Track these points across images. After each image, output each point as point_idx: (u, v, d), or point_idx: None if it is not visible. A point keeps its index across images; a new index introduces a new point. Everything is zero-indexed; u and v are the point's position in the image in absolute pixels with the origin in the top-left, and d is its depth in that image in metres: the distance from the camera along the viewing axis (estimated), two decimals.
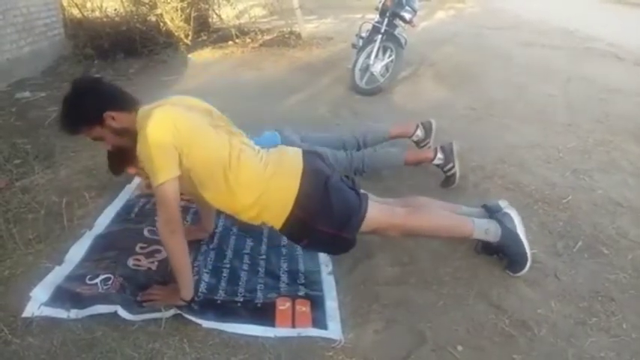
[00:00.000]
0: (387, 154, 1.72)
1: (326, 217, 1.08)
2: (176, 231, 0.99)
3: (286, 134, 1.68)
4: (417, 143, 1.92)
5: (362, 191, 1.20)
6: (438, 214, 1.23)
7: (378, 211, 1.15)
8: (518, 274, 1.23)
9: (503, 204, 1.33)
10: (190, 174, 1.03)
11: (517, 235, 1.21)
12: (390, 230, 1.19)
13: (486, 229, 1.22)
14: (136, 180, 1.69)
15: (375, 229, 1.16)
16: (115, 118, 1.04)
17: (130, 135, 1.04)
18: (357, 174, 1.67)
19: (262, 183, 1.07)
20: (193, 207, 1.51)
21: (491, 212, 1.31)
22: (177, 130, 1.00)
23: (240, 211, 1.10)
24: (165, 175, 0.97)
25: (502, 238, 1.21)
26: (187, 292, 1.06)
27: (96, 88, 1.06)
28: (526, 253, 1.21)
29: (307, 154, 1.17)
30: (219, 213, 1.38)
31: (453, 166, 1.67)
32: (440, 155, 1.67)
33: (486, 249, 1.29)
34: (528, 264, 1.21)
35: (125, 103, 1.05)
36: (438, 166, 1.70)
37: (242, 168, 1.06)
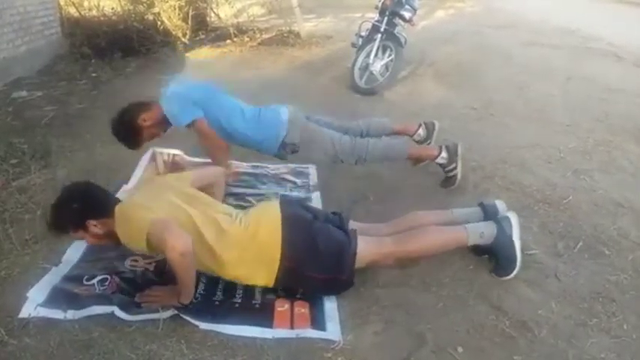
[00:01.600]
0: (392, 145, 1.69)
1: (316, 264, 1.09)
2: (185, 252, 0.98)
3: (291, 109, 1.65)
4: (418, 142, 1.91)
5: (351, 228, 1.20)
6: (429, 235, 1.21)
7: (367, 245, 1.15)
8: (503, 278, 1.21)
9: (500, 204, 1.33)
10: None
11: (511, 241, 1.20)
12: (384, 260, 1.19)
13: (481, 233, 1.21)
14: (133, 180, 1.68)
15: (368, 263, 1.17)
16: (97, 225, 1.10)
17: (111, 236, 1.10)
18: (358, 163, 1.63)
19: (245, 246, 1.09)
20: None
21: (488, 212, 1.30)
22: (153, 210, 1.05)
23: (231, 278, 1.12)
24: (147, 220, 1.00)
25: (495, 240, 1.20)
26: (187, 298, 1.06)
27: (81, 198, 1.12)
28: (515, 261, 1.19)
29: (285, 203, 1.18)
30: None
31: (455, 167, 1.66)
32: (444, 154, 1.65)
33: (475, 249, 1.28)
34: (515, 271, 1.20)
35: (107, 211, 1.09)
36: (440, 164, 1.68)
37: (223, 237, 1.08)
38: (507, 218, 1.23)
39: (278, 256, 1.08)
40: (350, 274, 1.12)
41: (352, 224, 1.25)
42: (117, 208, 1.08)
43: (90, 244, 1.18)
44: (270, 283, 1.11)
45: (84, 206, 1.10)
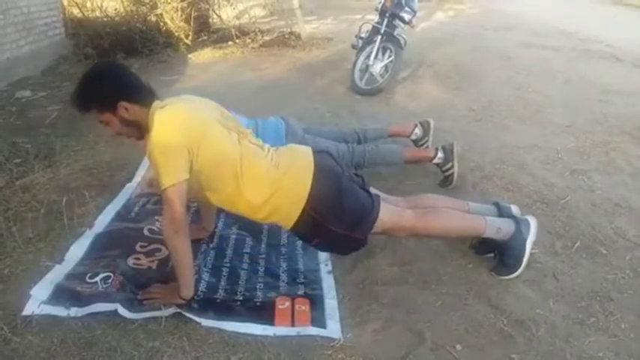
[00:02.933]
0: (389, 150, 1.72)
1: (338, 218, 1.07)
2: (180, 231, 0.98)
3: (290, 122, 1.68)
4: (416, 142, 1.93)
5: (373, 191, 1.18)
6: (449, 216, 1.20)
7: (389, 213, 1.14)
8: (503, 278, 1.22)
9: (514, 209, 1.32)
10: (200, 176, 1.03)
11: (524, 244, 1.19)
12: (400, 232, 1.18)
13: (498, 228, 1.20)
14: (137, 179, 1.69)
15: (385, 230, 1.16)
16: (128, 110, 1.02)
17: (138, 128, 1.04)
18: (357, 168, 1.67)
19: (273, 183, 1.06)
20: (194, 205, 1.51)
21: (503, 213, 1.29)
22: (189, 129, 0.99)
23: (250, 212, 1.09)
24: (174, 177, 0.96)
25: (511, 238, 1.19)
26: (188, 291, 1.06)
27: (117, 75, 1.04)
28: (521, 262, 1.20)
29: (318, 153, 1.15)
30: (219, 212, 1.38)
31: (452, 167, 1.68)
32: (440, 155, 1.68)
33: (479, 247, 1.28)
34: (516, 274, 1.21)
35: (142, 97, 1.03)
36: (437, 165, 1.71)
37: (253, 168, 1.05)
38: (527, 222, 1.22)
39: (303, 202, 1.04)
40: (365, 235, 1.11)
41: (372, 190, 1.22)
42: (154, 108, 1.00)
43: (111, 134, 1.07)
44: (288, 226, 1.09)
45: (122, 83, 1.01)
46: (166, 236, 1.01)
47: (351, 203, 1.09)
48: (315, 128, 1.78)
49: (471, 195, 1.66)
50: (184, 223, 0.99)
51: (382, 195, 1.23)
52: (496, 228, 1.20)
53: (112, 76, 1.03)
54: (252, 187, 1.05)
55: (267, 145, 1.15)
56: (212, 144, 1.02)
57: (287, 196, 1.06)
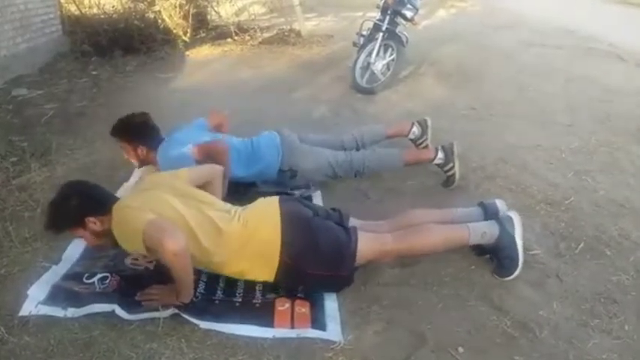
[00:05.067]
0: (387, 155, 1.71)
1: (315, 259, 1.09)
2: (178, 251, 0.97)
3: (285, 134, 1.66)
4: (414, 141, 1.91)
5: (353, 223, 1.19)
6: (430, 232, 1.20)
7: (369, 243, 1.14)
8: (506, 279, 1.21)
9: (500, 203, 1.32)
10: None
11: (514, 240, 1.19)
12: (385, 257, 1.19)
13: (483, 233, 1.20)
14: (133, 178, 1.67)
15: (369, 261, 1.16)
16: (96, 223, 1.09)
17: (109, 235, 1.09)
18: (357, 176, 1.67)
19: (244, 242, 1.08)
20: None
21: (489, 212, 1.30)
22: (147, 208, 1.03)
23: (231, 275, 1.12)
24: (142, 222, 0.98)
25: (498, 240, 1.20)
26: (186, 297, 1.06)
27: (80, 195, 1.11)
28: (517, 260, 1.19)
29: (283, 201, 1.17)
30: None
31: (453, 167, 1.66)
32: (440, 155, 1.67)
33: (478, 249, 1.28)
34: (517, 271, 1.20)
35: (104, 208, 1.09)
36: (438, 165, 1.69)
37: (223, 241, 1.07)
38: (510, 218, 1.22)
39: (278, 253, 1.07)
40: (350, 271, 1.12)
41: (352, 221, 1.25)
42: (114, 207, 1.07)
43: (89, 244, 1.16)
44: (271, 279, 1.11)
45: (82, 203, 1.09)
46: (167, 260, 0.99)
47: (326, 240, 1.11)
48: (312, 137, 1.76)
49: (473, 195, 1.65)
50: (180, 245, 0.97)
51: (362, 224, 1.23)
52: (481, 233, 1.20)
53: (75, 198, 1.10)
54: (223, 253, 1.07)
55: (233, 208, 1.17)
56: (172, 217, 1.05)
57: (261, 252, 1.08)
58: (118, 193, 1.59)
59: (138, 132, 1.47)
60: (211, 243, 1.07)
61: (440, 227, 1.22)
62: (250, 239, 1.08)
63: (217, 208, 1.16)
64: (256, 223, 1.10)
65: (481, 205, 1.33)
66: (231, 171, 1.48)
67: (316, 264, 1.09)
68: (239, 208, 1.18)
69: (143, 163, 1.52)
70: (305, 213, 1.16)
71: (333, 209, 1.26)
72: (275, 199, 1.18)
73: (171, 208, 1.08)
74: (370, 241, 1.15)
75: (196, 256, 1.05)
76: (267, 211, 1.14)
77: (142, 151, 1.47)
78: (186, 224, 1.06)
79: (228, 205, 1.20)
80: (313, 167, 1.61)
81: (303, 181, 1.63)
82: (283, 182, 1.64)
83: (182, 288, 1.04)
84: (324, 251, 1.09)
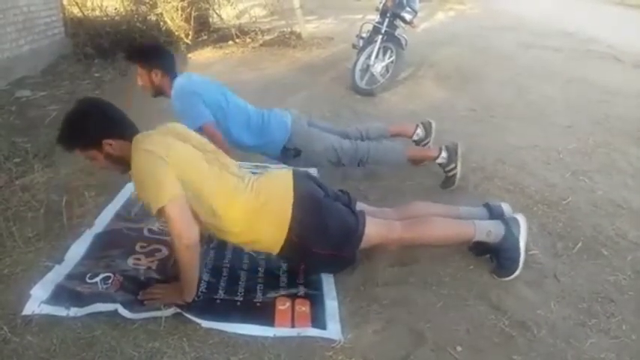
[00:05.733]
0: (392, 148, 1.72)
1: (323, 240, 1.09)
2: (190, 247, 0.98)
3: (295, 115, 1.67)
4: (417, 143, 1.93)
5: (360, 207, 1.19)
6: (437, 224, 1.21)
7: (376, 228, 1.15)
8: (504, 279, 1.22)
9: (505, 206, 1.33)
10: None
11: (517, 243, 1.20)
12: (389, 244, 1.19)
13: (488, 232, 1.20)
14: None
15: (373, 245, 1.17)
16: (113, 146, 1.04)
17: (123, 162, 1.06)
18: (360, 165, 1.66)
19: (254, 214, 1.07)
20: None
21: (494, 213, 1.30)
22: (171, 160, 1.01)
23: (235, 241, 1.12)
24: (165, 195, 0.96)
25: (502, 240, 1.20)
26: (189, 296, 1.07)
27: (100, 113, 1.06)
28: (518, 262, 1.20)
29: (298, 177, 1.16)
30: None
31: (455, 167, 1.67)
32: (444, 154, 1.67)
33: (477, 248, 1.28)
34: (516, 272, 1.20)
35: (125, 132, 1.05)
36: (440, 165, 1.70)
37: (232, 204, 1.06)
38: (516, 220, 1.22)
39: (286, 229, 1.06)
40: (354, 253, 1.12)
41: (359, 205, 1.24)
42: (135, 140, 1.02)
43: (98, 167, 1.11)
44: (275, 251, 1.10)
45: (105, 121, 1.02)
46: (177, 251, 0.99)
47: (335, 222, 1.10)
48: (319, 123, 1.77)
49: (472, 196, 1.66)
50: (193, 239, 0.97)
51: (369, 209, 1.23)
52: (486, 231, 1.20)
53: (95, 116, 1.05)
54: (232, 219, 1.07)
55: (247, 176, 1.15)
56: (192, 177, 1.03)
57: (269, 225, 1.08)
58: (121, 194, 1.61)
59: (152, 53, 1.52)
60: (223, 207, 1.04)
61: (447, 221, 1.23)
62: (260, 211, 1.07)
63: (233, 171, 1.13)
64: (268, 197, 1.08)
65: (486, 206, 1.33)
66: (236, 135, 1.54)
67: (322, 244, 1.08)
68: (252, 177, 1.15)
69: (157, 91, 1.53)
70: (317, 193, 1.15)
71: (342, 191, 1.24)
72: (289, 174, 1.16)
73: (194, 167, 1.03)
74: (377, 226, 1.15)
75: (206, 218, 1.03)
76: (280, 186, 1.12)
77: (156, 75, 1.50)
78: (204, 185, 1.03)
79: (243, 170, 1.17)
80: (319, 149, 1.62)
81: (304, 164, 1.63)
82: (284, 160, 1.65)
83: (186, 282, 1.04)
84: (331, 232, 1.09)
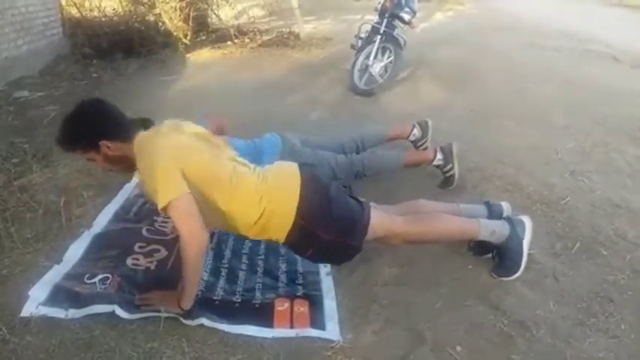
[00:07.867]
0: (387, 157, 1.73)
1: (328, 224, 1.08)
2: (202, 244, 0.97)
3: (287, 137, 1.68)
4: (415, 143, 1.93)
5: (363, 199, 1.19)
6: (442, 219, 1.20)
7: (380, 219, 1.14)
8: (503, 279, 1.22)
9: (505, 206, 1.33)
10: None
11: (521, 245, 1.19)
12: (393, 239, 1.18)
13: (493, 231, 1.20)
14: (135, 179, 1.69)
15: (378, 238, 1.16)
16: (110, 148, 1.04)
17: (124, 162, 1.06)
18: (357, 177, 1.68)
19: (263, 197, 1.06)
20: None
21: (493, 212, 1.30)
22: (175, 153, 1.00)
23: (243, 229, 1.10)
24: (172, 192, 0.95)
25: (507, 240, 1.20)
26: (188, 303, 1.05)
27: (98, 114, 1.06)
28: (520, 264, 1.20)
29: (303, 166, 1.17)
30: None
31: (452, 167, 1.68)
32: (439, 156, 1.68)
33: (477, 249, 1.28)
34: (517, 274, 1.21)
35: (123, 133, 1.05)
36: (437, 166, 1.71)
37: (242, 187, 1.06)
38: (522, 222, 1.22)
39: (293, 213, 1.05)
40: (360, 241, 1.11)
41: (362, 200, 1.22)
42: (139, 140, 1.02)
43: (99, 167, 1.11)
44: (282, 239, 1.09)
45: (101, 123, 1.02)
46: (186, 251, 0.98)
47: (340, 210, 1.10)
48: (313, 140, 1.77)
49: (471, 196, 1.66)
50: (202, 240, 0.97)
51: (372, 203, 1.23)
52: (490, 231, 1.20)
53: (92, 117, 1.05)
54: (243, 204, 1.06)
55: (252, 164, 1.16)
56: (199, 166, 1.02)
57: (277, 208, 1.07)
58: (120, 195, 1.61)
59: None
60: (228, 194, 1.04)
61: (452, 218, 1.22)
62: (267, 195, 1.06)
63: (239, 161, 1.14)
64: (274, 182, 1.08)
65: (487, 204, 1.33)
66: None
67: (328, 228, 1.07)
68: (258, 166, 1.16)
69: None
70: (324, 180, 1.16)
71: (344, 186, 1.24)
72: (295, 164, 1.17)
73: (198, 159, 1.02)
74: (382, 218, 1.14)
75: (214, 204, 1.02)
76: (287, 172, 1.12)
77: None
78: (210, 174, 1.02)
79: (247, 161, 1.17)
80: (314, 168, 1.62)
81: None
82: None
83: (187, 284, 1.02)
84: (337, 218, 1.08)
